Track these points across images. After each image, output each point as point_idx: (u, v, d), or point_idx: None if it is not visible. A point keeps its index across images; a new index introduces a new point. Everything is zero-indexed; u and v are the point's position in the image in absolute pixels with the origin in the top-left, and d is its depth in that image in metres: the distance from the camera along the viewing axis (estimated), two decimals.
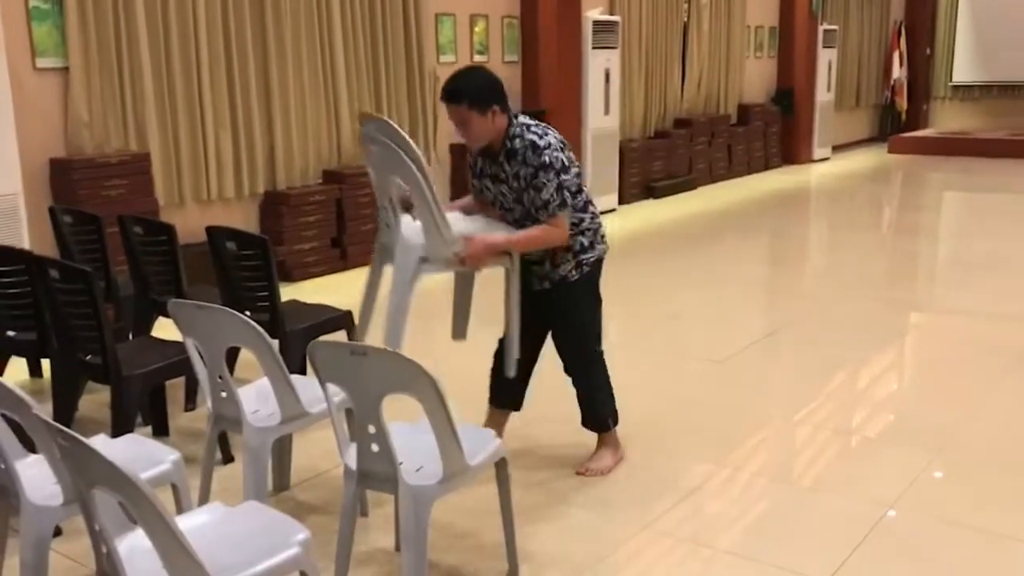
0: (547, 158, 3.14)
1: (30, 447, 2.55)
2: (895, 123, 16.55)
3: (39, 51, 5.55)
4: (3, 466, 2.45)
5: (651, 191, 10.59)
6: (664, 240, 8.54)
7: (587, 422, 3.65)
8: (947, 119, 17.06)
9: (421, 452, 2.61)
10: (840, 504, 3.38)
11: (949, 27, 16.84)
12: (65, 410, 3.67)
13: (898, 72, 16.41)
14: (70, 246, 4.62)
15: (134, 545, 2.07)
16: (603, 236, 3.45)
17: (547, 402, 3.88)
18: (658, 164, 10.78)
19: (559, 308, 3.41)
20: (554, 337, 3.52)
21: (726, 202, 10.55)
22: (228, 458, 3.67)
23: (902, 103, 16.56)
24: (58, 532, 3.19)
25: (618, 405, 3.71)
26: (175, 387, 4.13)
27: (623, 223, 9.33)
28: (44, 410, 3.55)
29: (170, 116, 6.18)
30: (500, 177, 3.27)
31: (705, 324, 5.80)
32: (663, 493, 3.48)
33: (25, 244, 4.97)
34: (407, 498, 2.53)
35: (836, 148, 14.79)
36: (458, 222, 3.24)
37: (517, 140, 3.19)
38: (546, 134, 3.19)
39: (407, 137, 3.04)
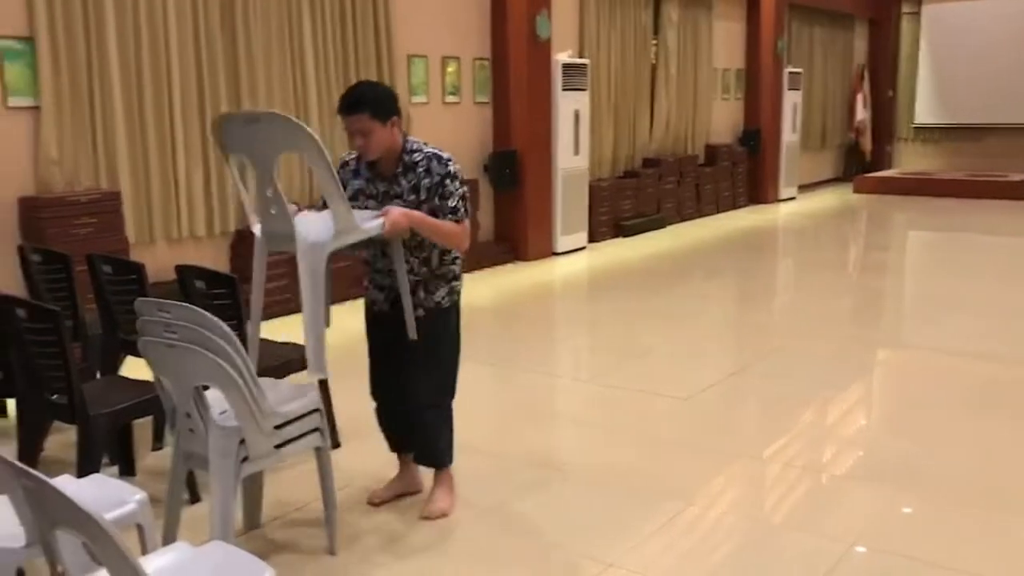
0: (452, 168, 3.23)
1: None
2: (859, 163, 16.88)
3: (10, 90, 5.57)
4: None
5: (621, 229, 10.70)
6: (633, 278, 8.63)
7: (426, 458, 3.56)
8: (910, 160, 17.43)
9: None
10: (810, 541, 3.42)
11: (911, 70, 17.27)
12: (30, 450, 3.64)
13: (862, 114, 16.77)
14: (38, 285, 4.60)
15: None
16: (460, 269, 3.54)
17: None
18: (627, 203, 10.91)
19: (432, 335, 3.37)
20: (415, 368, 3.41)
21: (694, 240, 10.69)
22: (195, 498, 3.65)
23: (866, 144, 16.91)
24: (20, 574, 3.15)
25: (584, 442, 3.75)
26: (142, 426, 4.11)
27: (592, 261, 9.42)
28: (9, 450, 3.52)
29: (141, 154, 6.19)
30: (391, 193, 3.26)
31: (672, 361, 5.86)
32: (631, 530, 3.50)
33: None
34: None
35: (802, 188, 15.05)
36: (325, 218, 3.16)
37: (416, 153, 3.25)
38: (442, 150, 3.28)
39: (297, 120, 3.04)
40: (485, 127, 9.17)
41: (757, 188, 13.79)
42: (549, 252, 9.48)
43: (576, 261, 9.41)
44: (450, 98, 8.74)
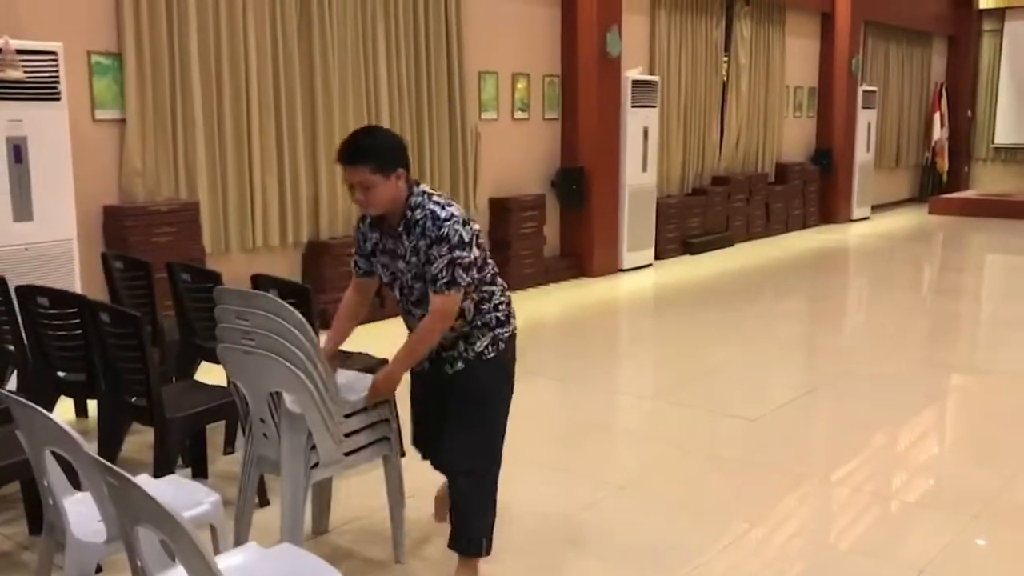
0: (446, 230, 2.81)
1: (76, 484, 2.63)
2: (936, 184, 16.49)
3: (98, 103, 5.79)
4: (52, 502, 2.54)
5: (688, 247, 10.63)
6: (700, 296, 8.56)
7: (455, 540, 3.06)
8: (988, 181, 16.96)
9: None
10: (877, 568, 3.35)
11: (991, 89, 16.83)
12: (110, 450, 3.76)
13: (939, 133, 16.39)
14: (120, 291, 4.76)
15: None
16: (513, 313, 3.13)
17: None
18: (695, 220, 10.84)
19: (472, 389, 3.01)
20: (454, 428, 3.05)
21: (763, 259, 10.55)
22: (264, 502, 3.73)
23: (943, 164, 16.51)
24: (98, 569, 3.26)
25: (648, 460, 3.69)
26: (215, 431, 4.22)
27: (659, 278, 9.37)
28: (89, 449, 3.65)
29: (219, 167, 6.37)
30: (398, 252, 2.94)
31: (740, 381, 5.79)
32: (694, 551, 3.47)
33: (78, 288, 5.13)
34: None
35: (875, 208, 14.75)
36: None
37: (418, 210, 2.87)
38: (449, 205, 2.88)
39: (295, 314, 2.83)
40: (554, 143, 9.21)
41: (829, 207, 13.56)
42: (615, 268, 9.45)
43: (642, 278, 9.37)
44: (519, 114, 8.80)
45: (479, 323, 2.99)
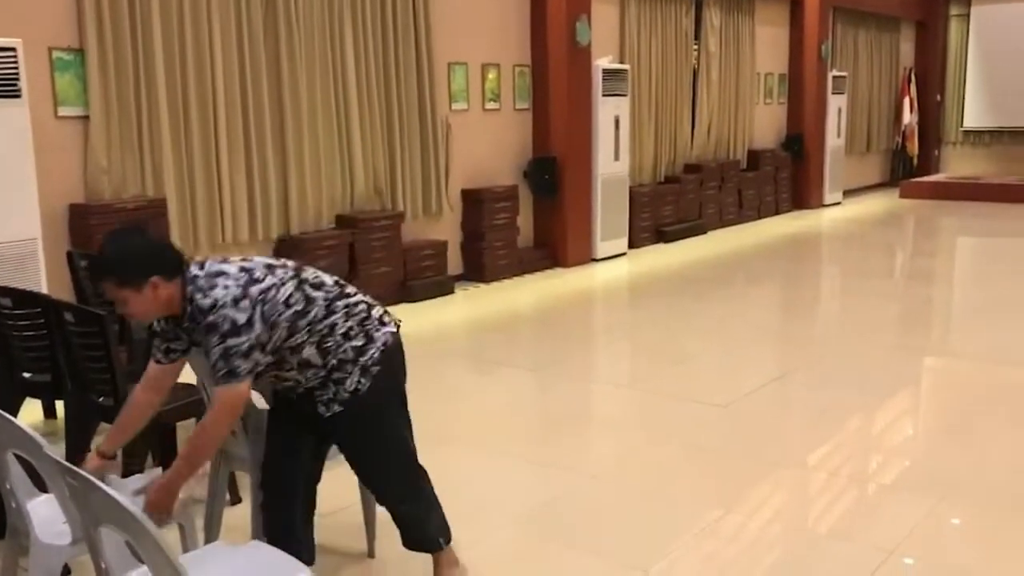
0: (212, 318, 2.49)
1: (41, 487, 2.59)
2: (906, 168, 16.63)
3: (61, 100, 5.70)
4: (15, 505, 2.49)
5: (661, 235, 10.65)
6: (673, 284, 8.58)
7: (414, 543, 2.98)
8: (958, 164, 17.12)
9: None
10: (855, 551, 3.36)
11: (959, 73, 16.98)
12: (77, 451, 3.71)
13: (909, 117, 16.53)
14: (86, 290, 4.70)
15: None
16: (382, 318, 2.80)
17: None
18: (668, 209, 10.86)
19: (360, 427, 2.76)
20: (362, 468, 2.89)
21: (736, 246, 10.60)
22: (236, 499, 3.69)
23: (913, 148, 16.65)
24: (67, 571, 3.22)
25: (623, 448, 3.69)
26: (186, 428, 4.17)
27: (632, 267, 9.39)
28: (57, 450, 3.60)
29: (186, 162, 6.30)
30: (195, 341, 2.66)
31: (713, 368, 5.81)
32: (670, 538, 3.47)
33: (43, 288, 5.05)
34: None
35: (847, 193, 14.85)
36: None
37: (191, 304, 2.55)
38: (212, 287, 2.52)
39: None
40: (525, 133, 9.18)
41: (801, 193, 13.64)
42: (589, 258, 9.46)
43: (616, 267, 9.39)
44: (490, 105, 8.77)
45: (335, 362, 2.68)
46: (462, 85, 8.45)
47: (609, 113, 9.49)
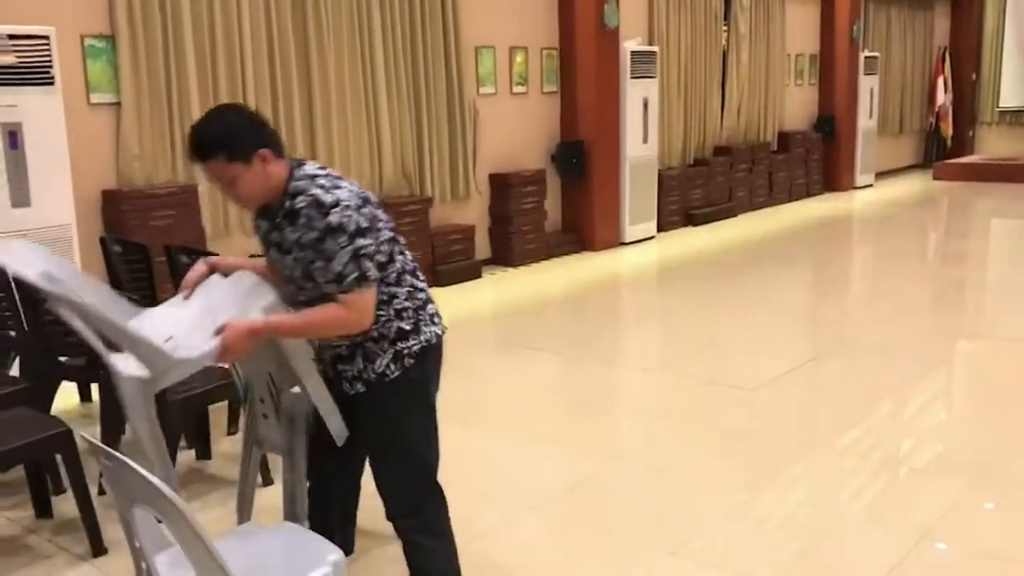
0: (336, 218, 2.30)
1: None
2: (940, 149, 16.38)
3: (93, 87, 5.76)
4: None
5: (690, 219, 10.59)
6: (702, 267, 8.53)
7: None
8: (994, 144, 16.83)
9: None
10: (886, 535, 3.34)
11: (995, 52, 16.66)
12: (112, 433, 3.78)
13: (943, 98, 16.27)
14: (119, 274, 4.76)
15: (173, 562, 2.13)
16: (434, 316, 2.59)
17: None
18: (697, 192, 10.79)
19: (377, 416, 2.54)
20: (373, 463, 2.64)
21: (766, 229, 10.51)
22: (268, 481, 3.74)
23: (947, 129, 16.40)
24: (103, 551, 3.29)
25: (652, 432, 3.67)
26: (218, 411, 4.23)
27: (661, 251, 9.35)
28: (93, 432, 3.65)
29: None
30: (284, 247, 2.44)
31: (743, 351, 5.78)
32: (698, 521, 3.47)
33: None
34: None
35: (879, 175, 14.67)
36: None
37: (299, 197, 2.36)
38: (336, 187, 2.36)
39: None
40: (553, 117, 9.15)
41: (832, 175, 13.49)
42: (617, 242, 9.43)
43: (644, 251, 9.35)
44: (518, 88, 8.74)
45: (375, 334, 2.47)
46: (490, 69, 8.43)
47: (637, 96, 9.43)
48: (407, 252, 2.56)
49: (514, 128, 8.74)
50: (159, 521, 2.08)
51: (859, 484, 3.84)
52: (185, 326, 2.34)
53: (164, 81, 6.00)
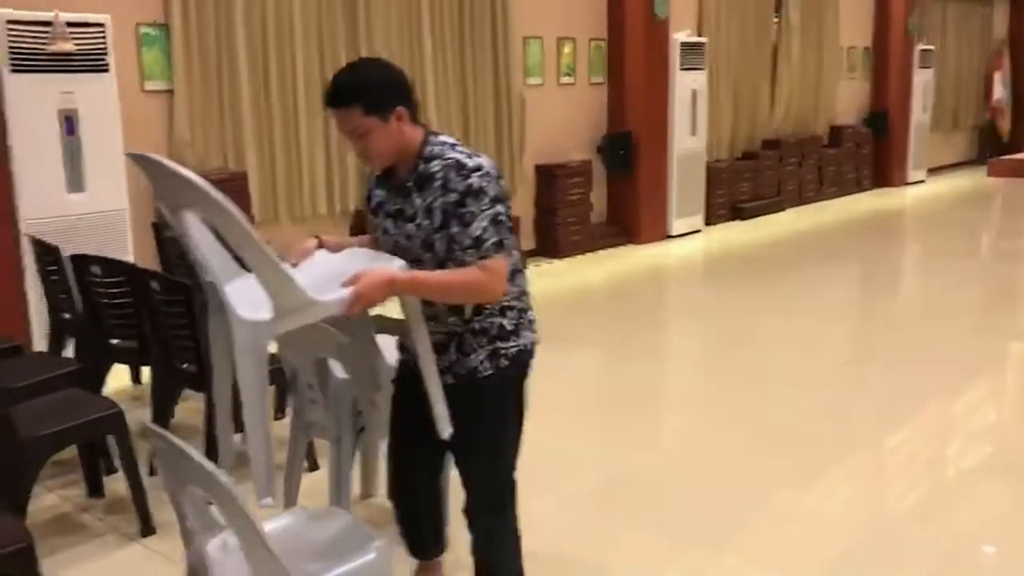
0: (477, 181, 2.23)
1: None
2: (995, 145, 16.00)
3: (147, 74, 5.85)
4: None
5: (738, 212, 10.48)
6: (750, 262, 8.44)
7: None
8: None
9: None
10: (934, 537, 3.29)
11: None
12: (163, 415, 3.84)
13: (1000, 92, 15.88)
14: (171, 259, 4.84)
15: (223, 544, 2.16)
16: (533, 322, 2.48)
17: None
18: (745, 185, 10.67)
19: (463, 414, 2.42)
20: (456, 456, 2.56)
21: (815, 224, 10.37)
22: (314, 466, 3.78)
23: (1004, 125, 16.01)
24: (153, 531, 3.35)
25: (694, 428, 3.65)
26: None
27: (708, 244, 9.27)
28: (143, 414, 3.72)
29: (267, 136, 6.42)
30: (406, 214, 2.34)
31: (790, 349, 5.71)
32: (742, 518, 3.44)
33: (130, 257, 5.22)
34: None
35: (932, 170, 14.38)
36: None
37: (435, 161, 2.29)
38: (477, 155, 2.30)
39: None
40: (600, 108, 9.11)
41: (883, 171, 13.26)
42: (663, 235, 9.37)
43: (690, 244, 9.28)
44: (565, 79, 8.71)
45: (477, 327, 2.37)
46: (537, 59, 8.41)
47: (686, 87, 9.35)
48: (516, 254, 2.42)
49: (560, 119, 8.71)
50: (209, 503, 2.12)
51: (906, 485, 3.79)
52: (310, 280, 2.16)
53: (216, 69, 6.08)
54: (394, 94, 2.28)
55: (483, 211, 2.23)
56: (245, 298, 2.11)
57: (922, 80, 13.44)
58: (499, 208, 2.24)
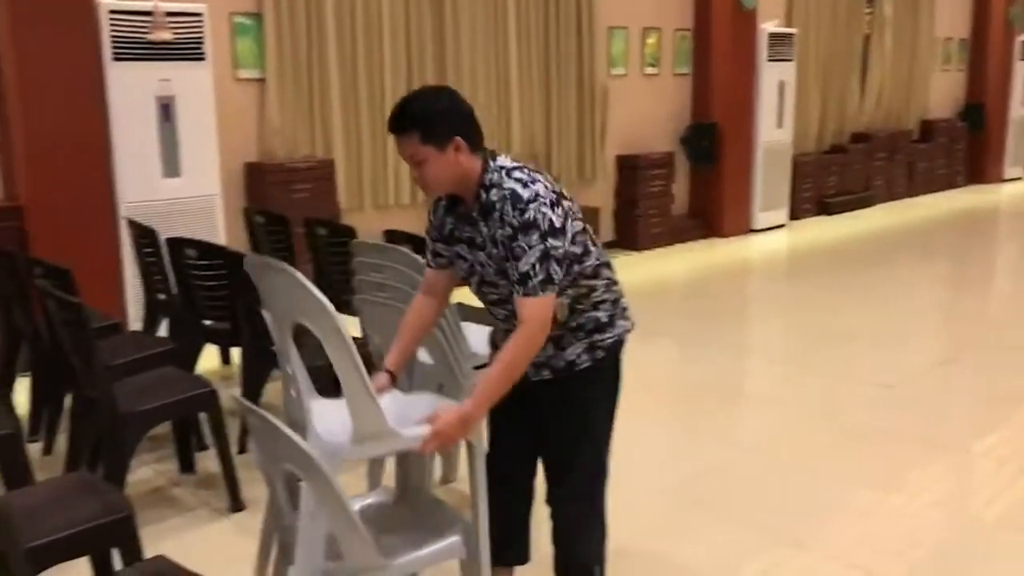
0: (531, 214, 2.22)
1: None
2: None
3: (240, 63, 6.00)
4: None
5: (825, 207, 10.26)
6: (836, 258, 8.26)
7: (568, 569, 2.58)
8: None
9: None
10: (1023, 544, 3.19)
11: None
12: (253, 395, 3.95)
13: None
14: (261, 243, 4.97)
15: (311, 519, 2.22)
16: (626, 310, 2.51)
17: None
18: (833, 179, 10.44)
19: (561, 407, 2.45)
20: (546, 448, 2.54)
21: (905, 221, 10.08)
22: None
23: None
24: (242, 507, 3.46)
25: (775, 424, 3.60)
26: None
27: (793, 239, 9.10)
28: (234, 394, 3.82)
29: (354, 125, 6.53)
30: (476, 242, 2.36)
31: (877, 347, 5.58)
32: (824, 515, 3.39)
33: (222, 240, 5.38)
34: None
35: None
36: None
37: (494, 190, 2.29)
38: (534, 181, 2.29)
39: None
40: (683, 99, 9.01)
41: (977, 167, 12.81)
42: (746, 229, 9.22)
43: (775, 239, 9.12)
44: (649, 70, 8.64)
45: (573, 325, 2.40)
46: (621, 49, 8.36)
47: (773, 79, 9.18)
48: (599, 244, 2.46)
49: (643, 110, 8.64)
50: (299, 481, 2.18)
51: (995, 489, 3.67)
52: (391, 411, 2.24)
53: (306, 59, 6.21)
54: (452, 124, 2.29)
55: (536, 245, 2.22)
56: (326, 419, 2.24)
57: (1023, 72, 12.93)
58: (550, 243, 2.23)
